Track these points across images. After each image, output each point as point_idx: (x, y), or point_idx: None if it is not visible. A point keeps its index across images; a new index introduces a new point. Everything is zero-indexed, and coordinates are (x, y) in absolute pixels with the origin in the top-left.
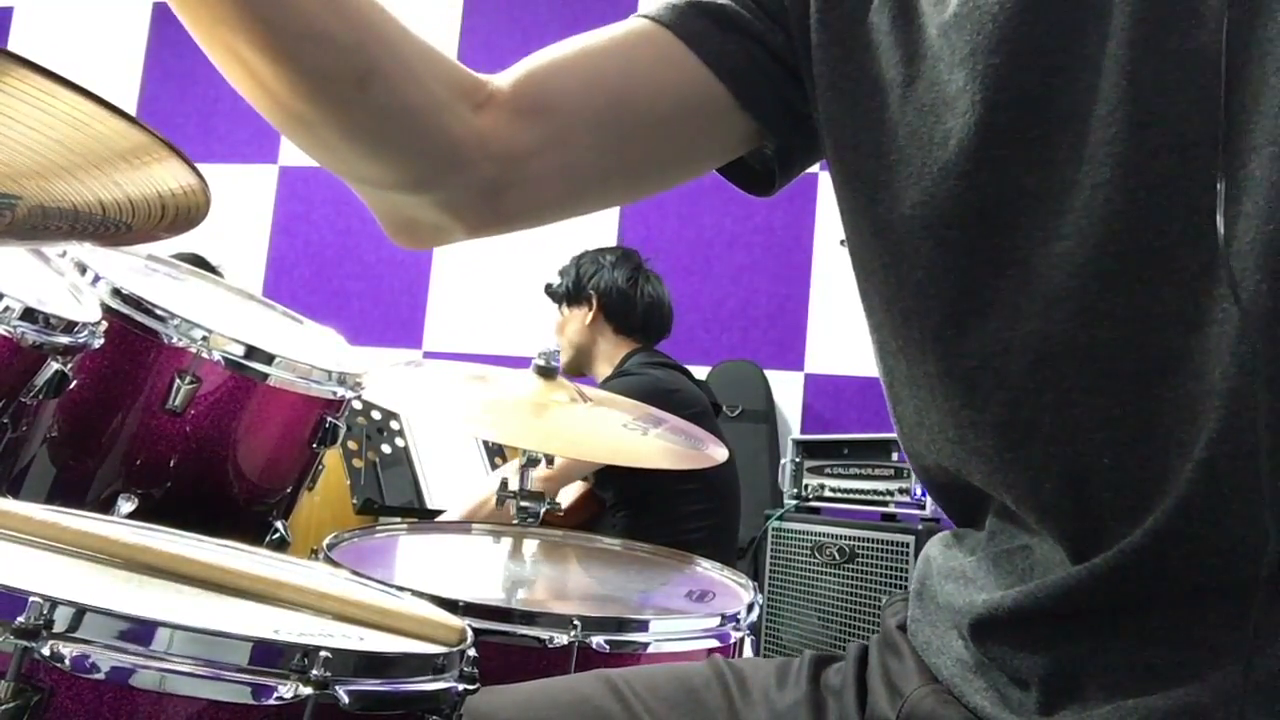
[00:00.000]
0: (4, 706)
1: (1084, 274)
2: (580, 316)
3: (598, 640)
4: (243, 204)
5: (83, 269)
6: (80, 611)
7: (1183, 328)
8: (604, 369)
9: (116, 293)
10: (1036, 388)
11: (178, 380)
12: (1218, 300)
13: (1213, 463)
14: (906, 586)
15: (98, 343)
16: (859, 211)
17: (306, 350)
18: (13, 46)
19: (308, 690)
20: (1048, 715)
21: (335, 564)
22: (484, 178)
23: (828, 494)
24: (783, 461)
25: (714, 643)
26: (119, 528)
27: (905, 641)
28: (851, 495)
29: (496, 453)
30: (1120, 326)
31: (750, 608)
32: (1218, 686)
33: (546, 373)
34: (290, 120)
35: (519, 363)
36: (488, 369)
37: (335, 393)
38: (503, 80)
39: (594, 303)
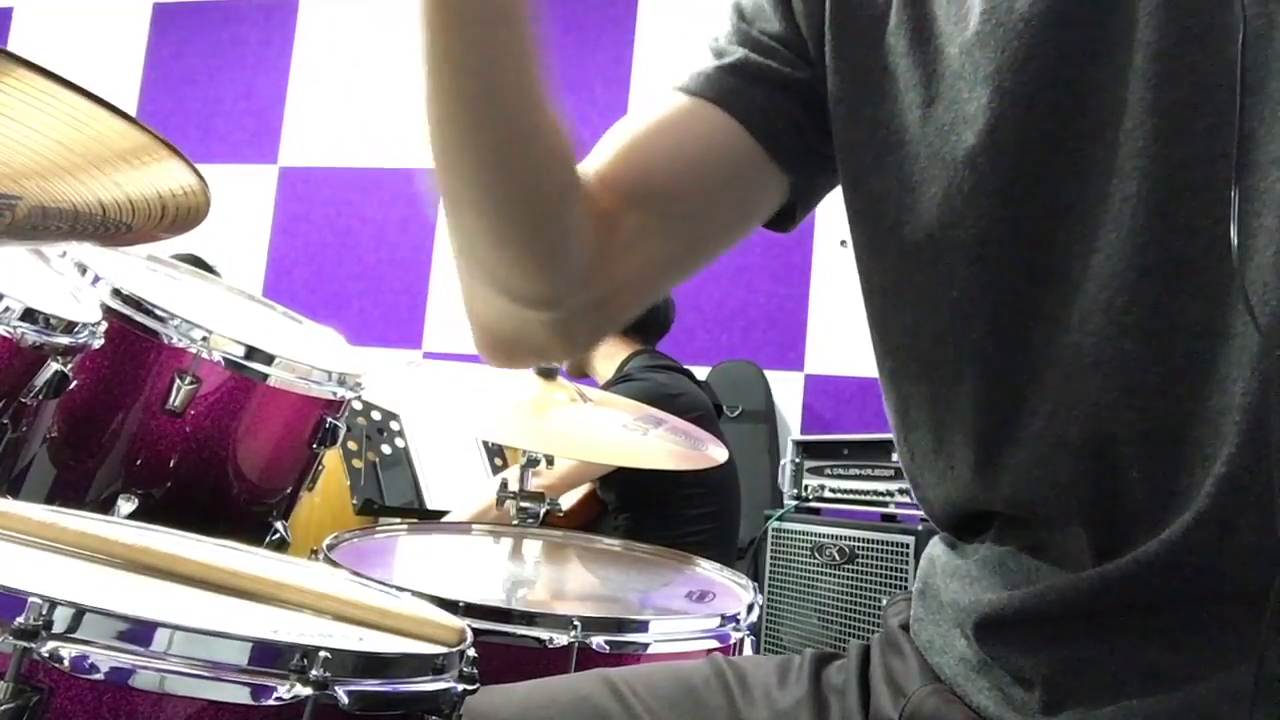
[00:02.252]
0: (3, 707)
1: (1112, 286)
2: None
3: (598, 641)
4: (243, 204)
5: (83, 269)
6: (79, 612)
7: (1208, 341)
8: (604, 369)
9: (116, 293)
10: (1069, 401)
11: (178, 380)
12: (1241, 313)
13: (1234, 476)
14: (906, 587)
15: (98, 343)
16: (881, 236)
17: (306, 350)
18: (13, 47)
19: (307, 690)
20: (1051, 715)
21: (335, 564)
22: (594, 295)
23: (828, 494)
24: (782, 462)
25: (714, 643)
26: (119, 528)
27: (908, 641)
28: (851, 496)
29: (496, 453)
30: (1147, 339)
31: (750, 608)
32: (1224, 688)
33: (547, 373)
34: (480, 235)
35: None
36: (488, 370)
37: (335, 393)
38: (596, 179)
39: None
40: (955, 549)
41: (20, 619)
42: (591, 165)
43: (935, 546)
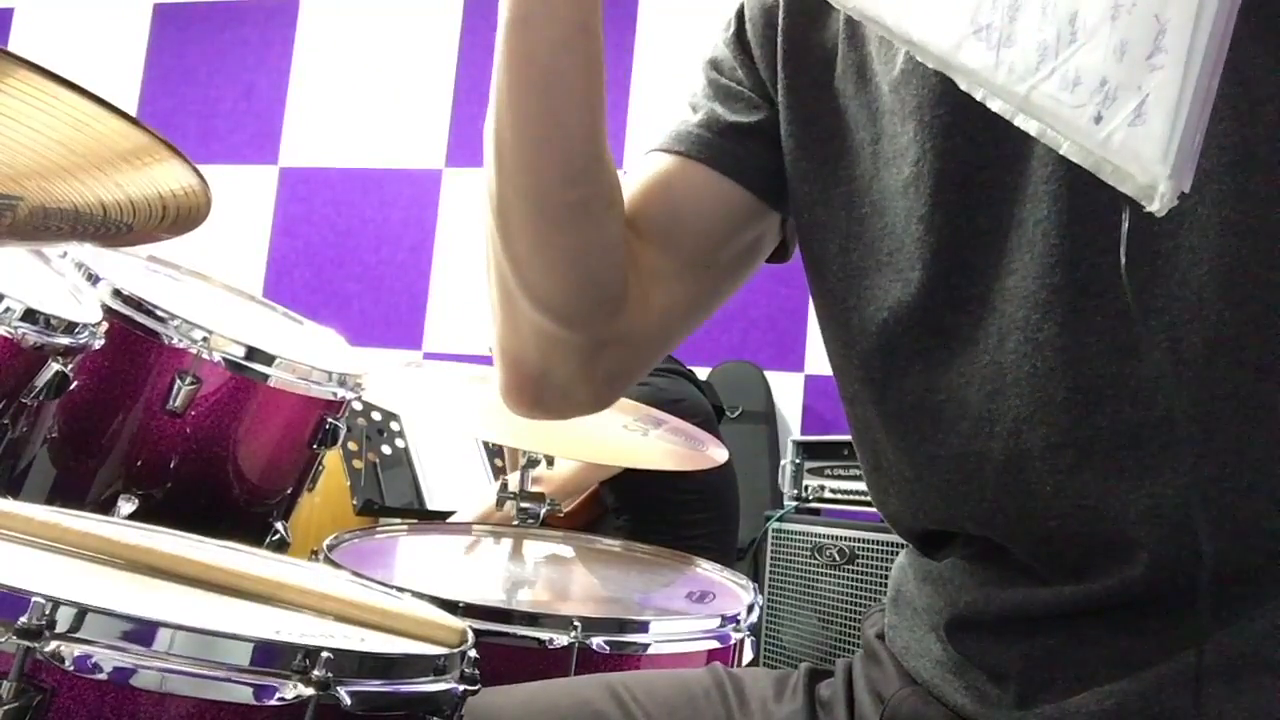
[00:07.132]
0: (7, 707)
1: (1026, 306)
2: None
3: (598, 641)
4: (243, 204)
5: (83, 270)
6: (82, 612)
7: (1116, 356)
8: None
9: (117, 293)
10: (989, 419)
11: (178, 381)
12: (1153, 331)
13: (1199, 486)
14: None
15: (98, 343)
16: (826, 261)
17: (307, 351)
18: (13, 47)
19: (309, 691)
20: (1025, 708)
21: (336, 565)
22: (619, 331)
23: (828, 495)
24: (783, 462)
25: (714, 644)
26: (120, 528)
27: (884, 649)
28: (852, 496)
29: (496, 454)
30: (1057, 356)
31: (750, 609)
32: (1179, 670)
33: None
34: (525, 236)
35: None
36: (488, 370)
37: (335, 394)
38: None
39: None
40: (925, 557)
41: (24, 619)
42: (629, 194)
43: (905, 555)
